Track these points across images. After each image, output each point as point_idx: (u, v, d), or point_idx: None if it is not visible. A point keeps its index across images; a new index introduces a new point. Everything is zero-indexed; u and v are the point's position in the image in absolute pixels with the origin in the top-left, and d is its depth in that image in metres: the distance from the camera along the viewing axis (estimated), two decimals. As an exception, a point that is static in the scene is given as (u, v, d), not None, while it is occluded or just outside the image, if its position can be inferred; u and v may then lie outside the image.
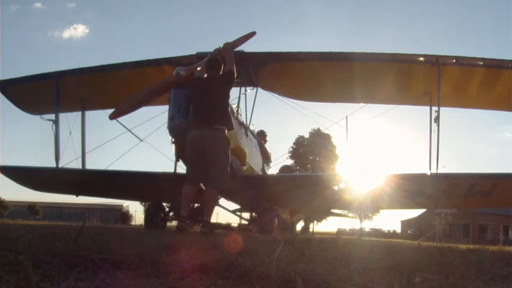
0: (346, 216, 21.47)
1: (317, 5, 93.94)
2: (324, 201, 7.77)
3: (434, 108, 6.69)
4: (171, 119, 5.21)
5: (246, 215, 9.02)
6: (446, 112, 8.17)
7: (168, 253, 1.71)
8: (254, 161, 7.39)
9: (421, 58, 6.56)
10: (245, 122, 7.11)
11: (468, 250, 3.47)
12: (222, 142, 4.85)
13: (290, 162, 30.60)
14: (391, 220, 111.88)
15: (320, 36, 76.03)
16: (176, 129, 5.18)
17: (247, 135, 6.97)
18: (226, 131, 4.91)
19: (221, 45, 5.37)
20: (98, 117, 8.40)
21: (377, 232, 37.30)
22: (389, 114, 7.80)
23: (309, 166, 34.35)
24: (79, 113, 8.12)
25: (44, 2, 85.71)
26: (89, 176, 7.84)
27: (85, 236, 1.96)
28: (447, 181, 6.51)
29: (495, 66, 6.55)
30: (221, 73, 5.10)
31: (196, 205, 6.84)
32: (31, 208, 42.65)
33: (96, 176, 7.78)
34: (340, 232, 37.82)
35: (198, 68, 5.20)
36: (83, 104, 8.08)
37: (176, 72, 5.06)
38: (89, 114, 8.28)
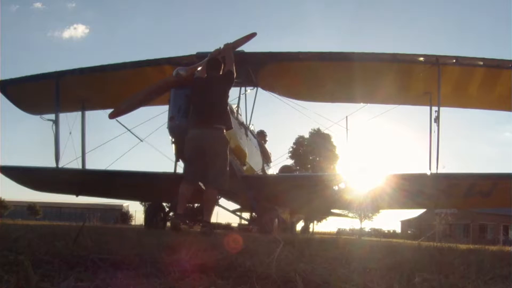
0: (346, 216, 21.51)
1: (317, 5, 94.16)
2: (324, 201, 7.77)
3: (434, 108, 6.70)
4: (171, 119, 5.21)
5: (246, 215, 9.04)
6: (446, 112, 8.22)
7: (168, 253, 1.71)
8: (254, 161, 7.39)
9: (421, 58, 6.56)
10: (245, 122, 7.11)
11: (468, 250, 3.48)
12: (221, 142, 4.86)
13: (290, 162, 30.58)
14: (391, 220, 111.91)
15: (320, 36, 76.15)
16: (176, 129, 5.18)
17: (247, 135, 6.97)
18: (225, 131, 4.92)
19: (222, 46, 5.38)
20: (98, 117, 8.40)
21: (377, 232, 37.28)
22: (389, 114, 7.81)
23: (309, 166, 34.31)
24: (79, 113, 8.12)
25: (44, 2, 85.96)
26: (89, 176, 7.84)
27: (85, 236, 1.96)
28: (447, 181, 6.52)
29: (495, 66, 6.55)
30: (221, 73, 5.11)
31: (196, 205, 6.84)
32: (31, 208, 42.61)
33: (96, 176, 7.78)
34: (340, 232, 37.81)
35: (199, 68, 5.21)
36: (83, 104, 8.08)
37: (176, 72, 5.07)
38: (89, 114, 8.31)
